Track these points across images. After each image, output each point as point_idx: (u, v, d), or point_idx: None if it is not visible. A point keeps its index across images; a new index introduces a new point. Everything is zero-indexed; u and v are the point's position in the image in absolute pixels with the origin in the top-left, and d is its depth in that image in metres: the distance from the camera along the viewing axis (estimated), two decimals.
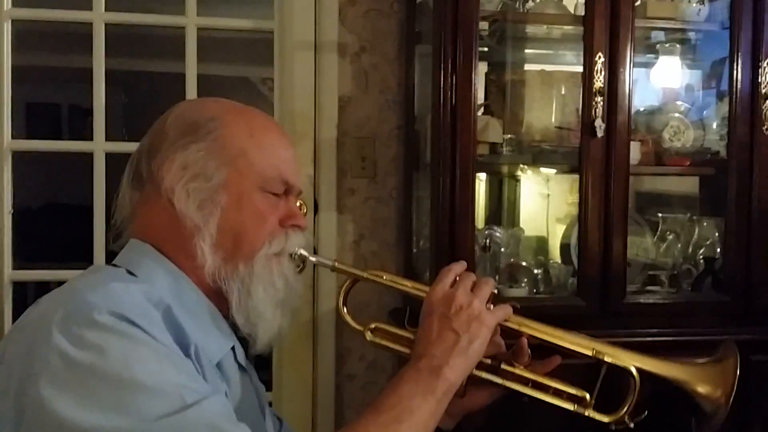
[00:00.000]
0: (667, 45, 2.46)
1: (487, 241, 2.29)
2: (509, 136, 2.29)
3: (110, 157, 2.37)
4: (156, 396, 0.87)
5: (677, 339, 2.05)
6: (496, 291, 1.16)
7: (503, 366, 1.19)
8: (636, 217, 2.35)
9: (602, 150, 2.07)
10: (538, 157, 2.29)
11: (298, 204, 1.18)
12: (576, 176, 2.18)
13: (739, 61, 2.13)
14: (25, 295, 4.39)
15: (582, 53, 2.11)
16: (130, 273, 1.04)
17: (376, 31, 2.48)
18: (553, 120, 2.38)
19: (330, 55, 2.43)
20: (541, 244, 2.54)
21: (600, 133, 2.05)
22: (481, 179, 2.51)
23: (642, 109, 2.40)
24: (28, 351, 0.90)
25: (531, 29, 2.40)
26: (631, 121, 2.10)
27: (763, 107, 2.11)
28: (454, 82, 2.01)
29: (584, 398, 1.18)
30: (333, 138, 2.44)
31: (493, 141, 2.22)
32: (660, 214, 2.46)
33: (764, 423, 2.09)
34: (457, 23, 2.00)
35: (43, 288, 4.33)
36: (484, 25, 2.18)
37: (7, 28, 2.31)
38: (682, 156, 2.28)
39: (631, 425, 1.17)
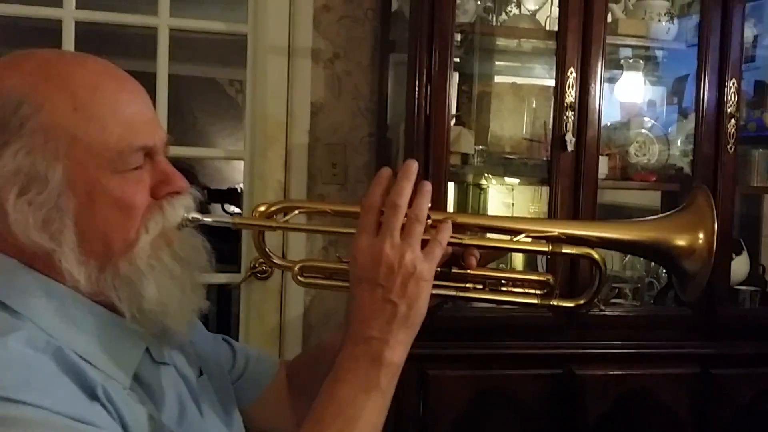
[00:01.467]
0: (631, 60, 2.51)
1: None
2: (480, 147, 2.32)
3: None
4: None
5: (641, 351, 2.10)
6: (429, 204, 0.96)
7: (454, 270, 1.01)
8: None
9: (572, 163, 2.11)
10: (507, 169, 2.32)
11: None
12: (539, 186, 2.20)
13: (706, 80, 2.18)
14: None
15: (552, 67, 2.15)
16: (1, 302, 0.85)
17: (350, 39, 2.48)
18: (523, 132, 2.41)
19: (303, 61, 2.42)
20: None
21: (570, 147, 2.08)
22: (449, 188, 2.53)
23: (608, 123, 2.45)
24: None
25: (503, 42, 2.43)
26: (600, 135, 2.13)
27: (728, 126, 2.16)
28: (428, 91, 2.03)
29: (548, 282, 1.04)
30: (304, 143, 2.44)
31: (465, 152, 2.24)
32: None
33: None
34: (433, 33, 2.02)
35: None
36: (456, 36, 2.20)
37: None
38: (647, 171, 2.32)
39: (603, 308, 1.06)
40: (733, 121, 2.16)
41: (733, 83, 2.15)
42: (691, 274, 1.03)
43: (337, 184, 2.49)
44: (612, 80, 2.50)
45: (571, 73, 2.09)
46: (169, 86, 2.35)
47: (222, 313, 4.02)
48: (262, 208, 1.03)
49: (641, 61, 2.51)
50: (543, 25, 2.35)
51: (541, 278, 1.04)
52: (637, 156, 2.35)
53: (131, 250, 0.89)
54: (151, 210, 0.91)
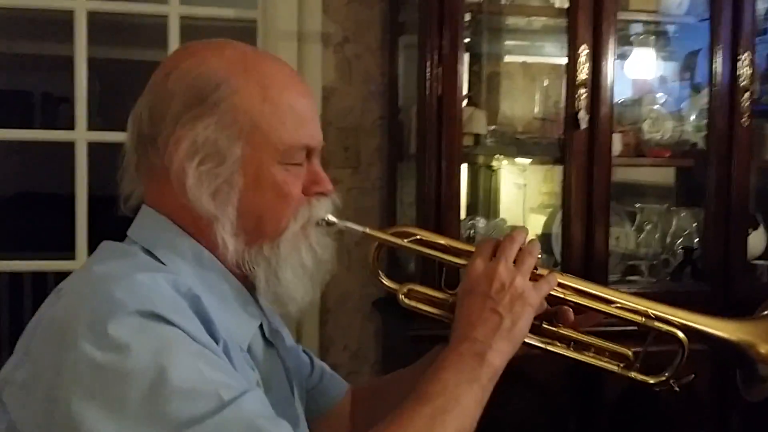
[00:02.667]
0: (641, 37, 2.49)
1: (471, 231, 2.31)
2: (492, 127, 2.31)
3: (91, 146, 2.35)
4: (191, 398, 0.81)
5: None
6: (540, 256, 1.05)
7: (545, 325, 1.08)
8: (615, 208, 2.38)
9: (585, 141, 2.10)
10: (520, 148, 2.31)
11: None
12: (551, 166, 2.20)
13: (718, 54, 2.17)
14: None
15: (563, 45, 2.14)
16: (148, 252, 0.97)
17: (360, 22, 2.48)
18: (535, 111, 2.41)
19: (313, 46, 2.42)
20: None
21: (583, 125, 2.08)
22: (462, 170, 2.53)
23: (620, 101, 2.43)
24: (55, 355, 0.84)
25: (513, 21, 2.42)
26: (613, 113, 2.12)
27: (742, 100, 2.15)
28: (439, 73, 2.02)
29: (628, 357, 1.09)
30: None
31: (477, 132, 2.23)
32: (637, 205, 2.49)
33: (744, 412, 2.13)
34: (443, 14, 2.01)
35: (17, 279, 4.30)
36: (466, 16, 2.19)
37: None
38: (661, 147, 2.31)
39: (677, 389, 1.09)
40: (747, 94, 2.14)
41: (747, 56, 2.14)
42: (763, 378, 1.09)
43: (350, 167, 2.50)
44: (623, 57, 2.48)
45: (583, 50, 2.08)
46: None
47: None
48: (393, 230, 1.11)
49: (652, 37, 2.49)
50: (552, 2, 2.33)
51: (624, 351, 1.09)
52: (651, 132, 2.34)
53: (279, 236, 1.00)
54: (302, 203, 1.01)
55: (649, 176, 2.71)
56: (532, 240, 1.06)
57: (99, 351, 0.82)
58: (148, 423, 0.80)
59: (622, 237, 2.40)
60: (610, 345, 1.09)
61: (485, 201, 2.59)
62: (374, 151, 2.52)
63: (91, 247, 2.36)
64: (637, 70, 2.50)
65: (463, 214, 2.32)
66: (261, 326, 1.04)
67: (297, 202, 1.00)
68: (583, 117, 2.07)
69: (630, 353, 1.09)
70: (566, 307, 1.08)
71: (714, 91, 2.17)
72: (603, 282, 2.13)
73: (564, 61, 2.13)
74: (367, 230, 1.08)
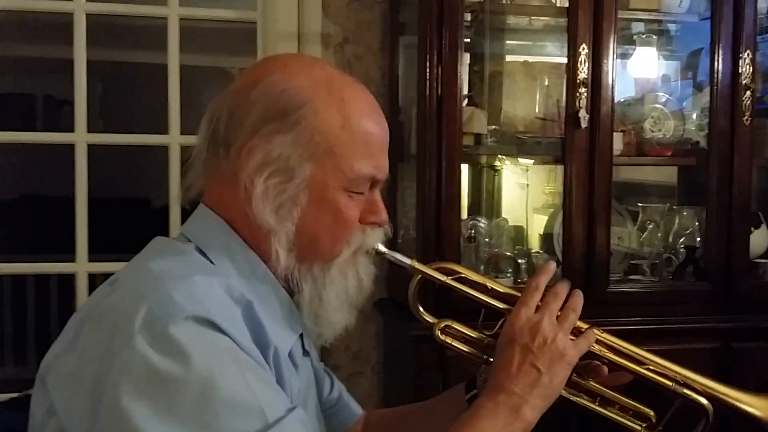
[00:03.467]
0: (644, 36, 2.48)
1: (472, 231, 2.31)
2: (493, 127, 2.31)
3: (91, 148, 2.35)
4: (238, 413, 0.83)
5: (660, 327, 2.09)
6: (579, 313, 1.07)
7: (574, 378, 1.08)
8: (617, 207, 2.38)
9: (586, 140, 2.10)
10: (521, 148, 2.31)
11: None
12: (554, 166, 2.19)
13: (720, 52, 2.16)
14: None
15: (564, 44, 2.13)
16: (201, 252, 0.99)
17: (360, 22, 2.47)
18: (536, 111, 2.40)
19: (314, 46, 2.42)
20: (521, 234, 2.56)
21: (584, 124, 2.07)
22: (462, 169, 2.52)
23: (622, 100, 2.43)
24: (107, 348, 0.85)
25: (513, 20, 2.42)
26: (614, 111, 2.12)
27: (744, 98, 2.14)
28: (439, 73, 2.02)
29: (650, 418, 1.10)
30: None
31: (478, 132, 2.23)
32: (640, 204, 2.49)
33: None
34: (443, 14, 2.01)
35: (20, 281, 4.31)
36: (466, 16, 2.19)
37: None
38: (663, 146, 2.31)
39: None
40: (748, 93, 2.14)
41: (748, 54, 2.13)
42: None
43: None
44: (625, 56, 2.47)
45: (583, 49, 2.07)
46: (180, 77, 2.35)
47: None
48: (437, 265, 1.13)
49: (654, 36, 2.48)
50: (553, 1, 2.33)
51: (647, 412, 1.11)
52: (652, 131, 2.34)
53: (332, 259, 1.02)
54: (357, 231, 1.03)
55: (651, 175, 2.71)
56: (575, 293, 1.07)
57: (155, 353, 0.83)
58: (193, 430, 0.82)
59: (624, 236, 2.40)
60: (635, 404, 1.11)
61: (488, 201, 2.58)
62: None
63: (91, 249, 2.36)
64: (640, 69, 2.50)
65: (464, 215, 2.31)
66: (301, 336, 1.05)
67: (354, 229, 1.02)
68: (583, 116, 2.07)
69: (653, 415, 1.10)
70: (600, 363, 1.10)
71: (715, 90, 2.17)
72: (605, 283, 2.13)
73: (564, 60, 2.13)
74: (415, 264, 1.10)
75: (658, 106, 2.38)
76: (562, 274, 2.15)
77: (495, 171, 2.58)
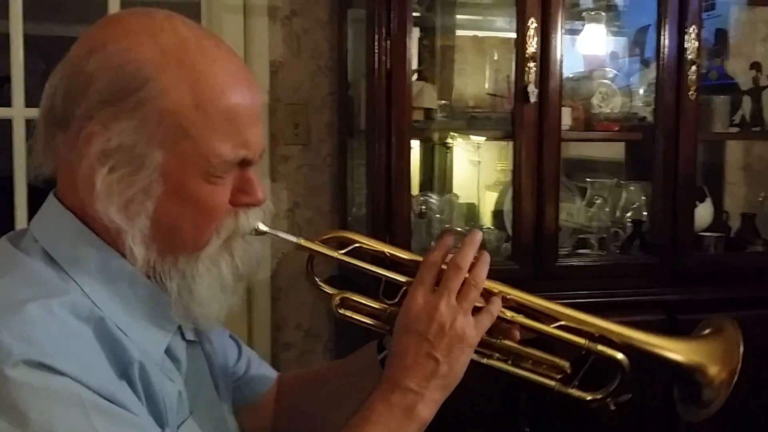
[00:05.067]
0: (593, 13, 2.49)
1: (423, 207, 2.30)
2: (443, 102, 2.30)
3: (30, 124, 2.27)
4: None
5: (608, 300, 2.11)
6: (486, 274, 0.99)
7: (484, 338, 1.02)
8: (566, 183, 2.39)
9: (535, 115, 2.09)
10: (471, 123, 2.30)
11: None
12: (505, 143, 2.18)
13: (666, 28, 2.17)
14: None
15: (513, 19, 2.12)
16: (47, 254, 0.86)
17: None
18: (486, 86, 2.39)
19: (260, 19, 2.37)
20: (473, 210, 2.56)
21: (533, 99, 2.07)
22: (414, 146, 2.51)
23: (571, 75, 2.43)
24: None
25: None
26: (562, 86, 2.12)
27: (689, 73, 2.16)
28: (388, 46, 1.99)
29: (565, 371, 1.06)
30: (265, 104, 2.40)
31: (428, 107, 2.22)
32: (588, 180, 2.51)
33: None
34: None
35: None
36: None
37: None
38: (611, 121, 2.32)
39: (613, 407, 1.06)
40: (693, 68, 2.15)
41: (693, 29, 2.14)
42: (704, 402, 1.06)
43: (300, 144, 2.46)
44: (575, 32, 2.48)
45: (532, 23, 2.06)
46: None
47: None
48: (327, 236, 1.04)
49: (603, 13, 2.49)
50: None
51: (562, 364, 1.06)
52: (600, 107, 2.35)
53: (199, 250, 0.90)
54: (227, 215, 0.91)
55: (599, 152, 2.73)
56: (480, 260, 1.00)
57: None
58: None
59: (573, 211, 2.42)
60: (549, 357, 1.06)
61: (440, 177, 2.58)
62: (324, 127, 2.48)
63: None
64: (588, 46, 2.51)
65: (415, 191, 2.31)
66: (180, 327, 0.95)
67: (222, 215, 0.90)
68: (532, 90, 2.06)
69: (568, 366, 1.06)
70: (513, 329, 1.04)
71: (661, 65, 2.18)
72: (554, 257, 2.14)
73: (514, 35, 2.12)
74: (301, 242, 1.01)
75: (605, 81, 2.40)
76: (512, 248, 2.16)
77: (447, 148, 2.58)
